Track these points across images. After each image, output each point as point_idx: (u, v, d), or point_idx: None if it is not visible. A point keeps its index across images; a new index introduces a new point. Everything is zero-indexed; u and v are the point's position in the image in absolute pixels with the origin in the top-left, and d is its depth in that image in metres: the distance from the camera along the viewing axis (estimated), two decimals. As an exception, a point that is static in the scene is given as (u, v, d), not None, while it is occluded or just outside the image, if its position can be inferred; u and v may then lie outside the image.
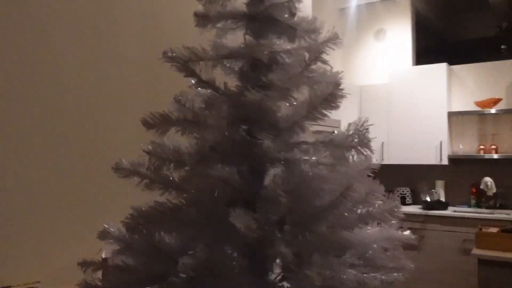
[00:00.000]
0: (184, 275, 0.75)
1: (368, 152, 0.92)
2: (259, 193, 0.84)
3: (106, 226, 0.88)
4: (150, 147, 0.88)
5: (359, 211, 0.87)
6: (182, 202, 0.85)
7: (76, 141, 1.61)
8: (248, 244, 0.78)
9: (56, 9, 1.57)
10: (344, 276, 0.79)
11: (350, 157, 0.94)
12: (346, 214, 0.84)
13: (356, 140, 0.91)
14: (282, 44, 0.91)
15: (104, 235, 0.87)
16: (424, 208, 4.51)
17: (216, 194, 0.83)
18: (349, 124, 0.94)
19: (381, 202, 0.89)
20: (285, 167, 0.87)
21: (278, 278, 0.81)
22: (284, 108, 0.92)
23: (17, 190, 1.58)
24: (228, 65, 0.95)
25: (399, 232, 0.92)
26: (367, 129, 0.92)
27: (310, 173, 0.84)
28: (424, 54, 5.03)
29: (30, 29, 1.47)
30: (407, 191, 4.94)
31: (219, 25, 0.96)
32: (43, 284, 1.58)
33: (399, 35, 5.18)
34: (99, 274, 0.83)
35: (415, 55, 5.05)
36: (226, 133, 0.86)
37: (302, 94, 0.91)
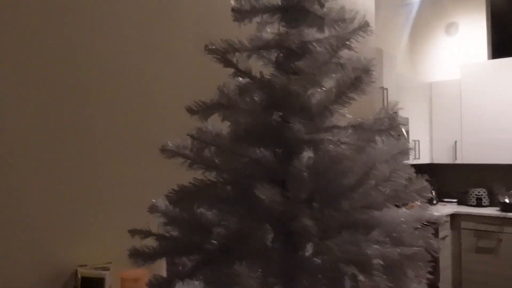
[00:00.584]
0: (216, 243, 0.84)
1: (399, 135, 0.95)
2: (289, 172, 0.91)
3: (154, 201, 0.99)
4: (193, 132, 0.98)
5: (387, 191, 0.90)
6: (219, 180, 0.94)
7: (131, 128, 1.78)
8: (275, 218, 0.85)
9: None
10: (369, 252, 0.83)
11: (380, 140, 0.98)
12: (372, 193, 0.88)
13: (385, 123, 0.94)
14: (312, 33, 0.98)
15: (153, 209, 0.99)
16: (501, 210, 4.26)
17: (248, 173, 0.91)
18: (380, 109, 0.98)
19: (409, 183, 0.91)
20: (313, 149, 0.93)
21: (304, 251, 0.87)
22: (314, 94, 0.98)
23: (89, 175, 1.78)
24: (265, 55, 1.03)
25: (429, 213, 0.94)
26: (397, 112, 0.95)
27: (335, 154, 0.89)
28: (500, 47, 4.73)
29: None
30: (483, 192, 4.68)
31: (257, 19, 1.05)
32: (114, 265, 1.75)
33: (472, 28, 4.93)
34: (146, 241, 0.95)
35: (491, 48, 4.77)
36: (259, 117, 0.94)
37: (332, 81, 0.96)
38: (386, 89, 4.26)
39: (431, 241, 0.89)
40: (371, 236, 0.89)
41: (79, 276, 1.71)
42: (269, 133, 0.97)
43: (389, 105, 0.95)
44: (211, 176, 0.98)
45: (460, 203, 4.86)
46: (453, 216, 4.51)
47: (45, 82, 1.65)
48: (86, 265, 1.80)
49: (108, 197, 1.85)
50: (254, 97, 0.95)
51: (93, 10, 1.78)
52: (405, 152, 1.02)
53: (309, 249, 0.90)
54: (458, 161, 4.74)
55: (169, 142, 0.97)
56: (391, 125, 0.94)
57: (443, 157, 4.89)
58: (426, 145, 4.92)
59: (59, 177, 1.71)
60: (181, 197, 0.90)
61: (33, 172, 1.63)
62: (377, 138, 0.98)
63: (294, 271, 0.85)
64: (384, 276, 0.84)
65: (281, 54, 1.01)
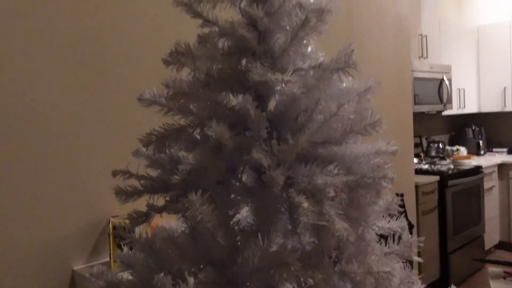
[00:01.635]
0: (180, 178, 0.94)
1: (355, 73, 0.98)
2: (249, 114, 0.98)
3: (138, 147, 1.11)
4: (168, 81, 1.07)
5: (339, 125, 0.95)
6: (188, 124, 1.04)
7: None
8: (228, 154, 0.93)
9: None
10: (319, 181, 0.89)
11: (343, 80, 1.01)
12: (323, 128, 0.93)
13: (342, 62, 0.98)
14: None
15: (137, 153, 1.10)
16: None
17: (213, 116, 1.00)
18: (339, 50, 1.01)
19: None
20: (270, 90, 0.99)
21: (247, 179, 0.96)
22: (276, 38, 1.03)
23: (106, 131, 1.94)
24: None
25: (386, 145, 0.97)
26: (353, 50, 0.98)
27: (290, 94, 0.95)
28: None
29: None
30: (533, 140, 4.44)
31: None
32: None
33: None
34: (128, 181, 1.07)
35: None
36: (221, 63, 1.01)
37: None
38: (426, 36, 4.09)
39: (386, 171, 0.93)
40: (326, 169, 0.95)
41: (111, 226, 1.91)
42: (233, 78, 1.04)
43: (346, 44, 0.98)
44: (185, 121, 1.07)
45: (510, 152, 4.64)
46: (501, 166, 4.34)
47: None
48: (118, 216, 2.00)
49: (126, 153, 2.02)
50: (216, 44, 1.01)
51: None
52: (369, 90, 1.05)
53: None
54: (508, 109, 4.50)
55: (146, 91, 1.07)
56: (347, 63, 0.97)
57: (491, 105, 4.66)
58: (473, 94, 4.70)
59: (92, 131, 1.89)
60: (152, 140, 1.00)
61: (71, 126, 1.83)
62: (339, 77, 1.01)
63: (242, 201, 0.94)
64: (334, 203, 0.91)
65: (243, 1, 1.06)
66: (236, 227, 0.96)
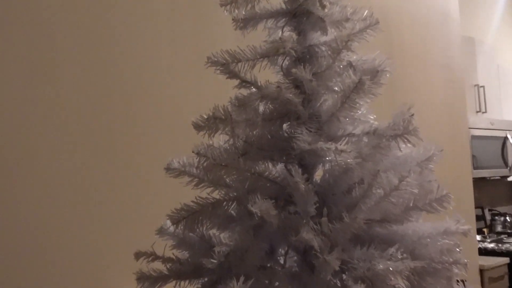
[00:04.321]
0: (217, 262, 1.00)
1: (416, 140, 1.06)
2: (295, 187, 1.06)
3: (163, 224, 1.18)
4: (200, 148, 1.17)
5: (400, 201, 1.02)
6: (224, 198, 1.12)
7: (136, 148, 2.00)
8: (274, 234, 1.00)
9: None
10: (381, 266, 0.95)
11: (400, 147, 1.10)
12: (383, 204, 1.00)
13: (400, 127, 1.06)
14: (317, 36, 1.13)
15: (161, 231, 1.18)
16: None
17: (253, 189, 1.08)
18: (396, 113, 1.10)
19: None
20: (320, 160, 1.08)
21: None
22: (322, 101, 1.13)
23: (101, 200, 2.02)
24: (272, 63, 1.20)
25: (456, 225, 1.03)
26: (413, 114, 1.06)
27: (343, 164, 1.03)
28: None
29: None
30: None
31: (261, 25, 1.22)
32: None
33: None
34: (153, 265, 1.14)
35: None
36: (261, 129, 1.10)
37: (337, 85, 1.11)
38: (483, 86, 4.22)
39: (458, 255, 0.98)
40: (387, 253, 1.01)
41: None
42: (274, 145, 1.13)
43: (403, 107, 1.07)
44: (218, 194, 1.15)
45: None
46: None
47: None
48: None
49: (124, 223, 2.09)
50: (256, 108, 1.12)
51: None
52: (431, 159, 1.13)
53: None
54: None
55: (174, 160, 1.17)
56: (406, 129, 1.05)
57: None
58: (545, 154, 4.74)
59: (99, 192, 1.98)
60: (184, 216, 1.08)
61: (45, 197, 1.92)
62: (397, 145, 1.10)
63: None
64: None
65: (286, 61, 1.17)
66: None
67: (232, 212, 1.15)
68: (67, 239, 1.92)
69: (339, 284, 0.98)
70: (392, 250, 1.00)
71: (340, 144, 1.05)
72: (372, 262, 0.97)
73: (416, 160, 1.13)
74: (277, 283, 1.03)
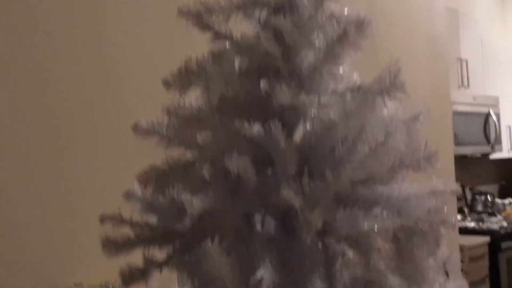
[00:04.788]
0: (189, 225, 0.98)
1: (403, 96, 1.05)
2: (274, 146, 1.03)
3: (130, 189, 1.15)
4: (170, 106, 1.13)
5: (386, 159, 1.01)
6: (197, 159, 1.08)
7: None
8: (250, 195, 0.98)
9: None
10: (365, 226, 0.94)
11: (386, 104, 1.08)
12: (369, 161, 0.99)
13: (387, 82, 1.04)
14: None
15: (128, 195, 1.14)
16: None
17: (230, 150, 1.05)
18: (382, 69, 1.08)
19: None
20: (301, 117, 1.05)
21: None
22: (303, 55, 1.10)
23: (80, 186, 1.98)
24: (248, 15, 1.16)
25: (444, 184, 1.03)
26: (400, 68, 1.04)
27: (326, 121, 1.00)
28: None
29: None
30: None
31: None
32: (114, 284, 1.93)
33: None
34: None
35: None
36: (238, 85, 1.07)
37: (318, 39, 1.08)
38: (466, 60, 4.25)
39: (446, 215, 0.98)
40: (371, 213, 0.99)
41: (74, 296, 1.91)
42: (252, 103, 1.10)
43: (390, 62, 1.05)
44: (191, 156, 1.12)
45: None
46: None
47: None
48: (80, 284, 2.00)
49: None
50: (232, 63, 1.08)
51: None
52: (418, 118, 1.12)
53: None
54: None
55: (142, 120, 1.13)
56: (393, 84, 1.03)
57: (549, 147, 4.78)
58: (526, 132, 4.83)
59: (52, 192, 1.93)
60: (153, 178, 1.05)
61: (27, 187, 1.86)
62: (383, 101, 1.08)
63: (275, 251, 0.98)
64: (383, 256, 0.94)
65: (263, 13, 1.13)
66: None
67: (205, 174, 1.12)
68: (30, 207, 1.88)
69: (320, 246, 0.96)
70: (376, 210, 0.99)
71: (322, 99, 1.02)
72: (357, 222, 0.95)
73: (402, 119, 1.11)
74: (253, 247, 1.01)
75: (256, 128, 1.10)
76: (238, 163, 0.94)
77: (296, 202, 0.95)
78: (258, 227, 1.07)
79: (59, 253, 1.98)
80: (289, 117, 1.07)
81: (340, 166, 0.99)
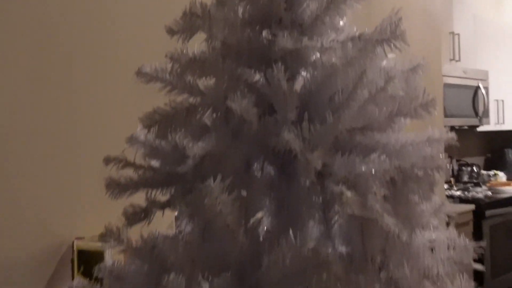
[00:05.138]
0: (191, 168, 0.97)
1: (403, 46, 1.03)
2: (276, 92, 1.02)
3: (133, 133, 1.14)
4: (174, 52, 1.11)
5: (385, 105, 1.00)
6: (200, 104, 1.07)
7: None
8: (251, 140, 0.97)
9: None
10: (363, 169, 0.93)
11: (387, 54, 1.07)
12: (368, 107, 0.98)
13: (387, 32, 1.03)
14: None
15: (132, 140, 1.13)
16: None
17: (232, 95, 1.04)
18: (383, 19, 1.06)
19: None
20: (303, 64, 1.04)
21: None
22: (305, 4, 1.08)
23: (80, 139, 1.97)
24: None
25: (440, 131, 1.02)
26: (401, 18, 1.03)
27: (328, 68, 0.99)
28: None
29: None
30: None
31: None
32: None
33: None
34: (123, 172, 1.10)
35: None
36: (241, 32, 1.05)
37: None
38: (458, 34, 4.22)
39: (441, 161, 0.97)
40: (369, 158, 0.99)
41: (75, 249, 1.91)
42: (254, 51, 1.08)
43: (391, 12, 1.04)
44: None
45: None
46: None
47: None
48: (83, 238, 1.99)
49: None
50: (236, 9, 1.06)
51: None
52: (417, 69, 1.11)
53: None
54: None
55: (145, 65, 1.11)
56: (393, 34, 1.02)
57: (536, 121, 4.80)
58: (513, 107, 4.85)
59: (51, 146, 1.91)
60: (156, 120, 1.03)
61: (26, 142, 1.85)
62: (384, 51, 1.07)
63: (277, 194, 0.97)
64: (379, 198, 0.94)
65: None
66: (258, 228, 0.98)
67: (207, 121, 1.11)
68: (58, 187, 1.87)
69: (318, 189, 0.96)
70: (373, 156, 0.99)
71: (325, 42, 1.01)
72: (354, 166, 0.95)
73: (402, 69, 1.10)
74: (253, 188, 1.00)
75: (258, 74, 1.10)
76: (241, 104, 0.92)
77: (296, 145, 0.94)
78: (258, 171, 1.07)
79: (61, 207, 1.97)
80: (291, 63, 1.05)
81: (339, 111, 0.99)
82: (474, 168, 4.63)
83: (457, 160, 4.72)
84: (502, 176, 4.76)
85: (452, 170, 4.62)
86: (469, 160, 4.82)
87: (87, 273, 1.85)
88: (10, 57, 1.80)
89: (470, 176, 4.62)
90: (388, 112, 1.01)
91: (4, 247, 1.81)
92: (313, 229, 0.98)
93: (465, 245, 0.97)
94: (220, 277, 0.91)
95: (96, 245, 1.91)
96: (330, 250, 0.89)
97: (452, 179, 4.53)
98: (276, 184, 1.05)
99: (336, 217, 0.97)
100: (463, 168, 4.65)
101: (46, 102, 1.91)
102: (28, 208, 1.87)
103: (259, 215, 0.99)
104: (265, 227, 0.99)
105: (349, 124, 0.99)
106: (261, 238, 0.96)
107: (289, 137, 0.93)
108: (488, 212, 3.87)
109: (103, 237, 1.07)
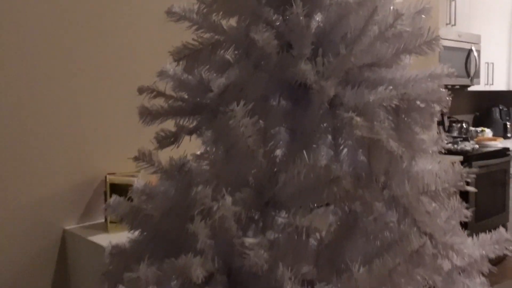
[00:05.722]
0: (216, 97, 0.97)
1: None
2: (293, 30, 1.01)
3: (163, 67, 1.14)
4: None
5: (392, 44, 0.99)
6: (223, 41, 1.07)
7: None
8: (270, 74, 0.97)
9: None
10: (371, 98, 0.93)
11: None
12: (377, 43, 0.97)
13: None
14: None
15: (161, 73, 1.13)
16: None
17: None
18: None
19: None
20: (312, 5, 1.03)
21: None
22: None
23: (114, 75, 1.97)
24: None
25: (441, 68, 1.02)
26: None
27: (340, 5, 0.98)
28: None
29: None
30: None
31: None
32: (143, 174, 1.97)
33: None
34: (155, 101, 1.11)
35: None
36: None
37: None
38: (455, 0, 4.13)
39: (442, 94, 0.97)
40: (376, 90, 0.99)
41: (108, 183, 1.95)
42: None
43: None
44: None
45: (540, 136, 4.74)
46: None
47: None
48: (114, 173, 2.03)
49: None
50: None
51: None
52: (422, 12, 1.09)
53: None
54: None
55: (174, 5, 1.10)
56: (402, -23, 1.00)
57: (523, 83, 4.74)
58: (503, 69, 4.77)
59: (87, 85, 1.92)
60: (185, 53, 1.03)
61: (63, 82, 1.85)
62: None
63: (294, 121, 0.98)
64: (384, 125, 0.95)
65: None
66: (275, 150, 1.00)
67: (229, 57, 1.10)
68: (46, 116, 1.89)
69: (331, 115, 0.97)
70: (380, 88, 0.99)
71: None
72: (363, 96, 0.95)
73: (407, 12, 1.09)
74: (271, 118, 1.01)
75: (277, 14, 1.09)
76: (263, 36, 0.92)
77: (311, 75, 0.94)
78: (276, 102, 1.08)
79: (95, 147, 2.01)
80: (308, 4, 1.04)
81: (351, 46, 0.98)
82: (464, 124, 4.60)
83: (449, 117, 4.69)
84: (488, 132, 4.73)
85: (444, 125, 4.59)
86: (459, 117, 4.79)
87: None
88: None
89: (460, 132, 4.59)
90: (395, 49, 1.00)
91: (45, 183, 1.86)
92: (325, 152, 0.99)
93: (459, 170, 0.98)
94: (241, 191, 0.93)
95: (125, 179, 1.96)
96: (340, 168, 0.90)
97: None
98: (291, 114, 1.06)
99: (345, 142, 0.98)
100: (454, 124, 4.62)
101: (83, 38, 1.91)
102: (67, 147, 1.92)
103: (276, 138, 1.00)
104: (281, 150, 1.00)
105: (360, 58, 0.99)
106: (277, 160, 0.98)
107: (306, 68, 0.93)
108: (474, 163, 3.87)
109: (136, 159, 1.08)
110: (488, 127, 4.82)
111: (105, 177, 1.97)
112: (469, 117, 5.05)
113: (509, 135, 4.82)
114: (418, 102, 0.98)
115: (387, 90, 0.95)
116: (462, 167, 1.01)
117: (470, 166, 3.83)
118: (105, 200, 1.97)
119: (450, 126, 4.62)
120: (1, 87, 1.73)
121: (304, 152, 0.91)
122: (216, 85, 1.01)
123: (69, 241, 1.94)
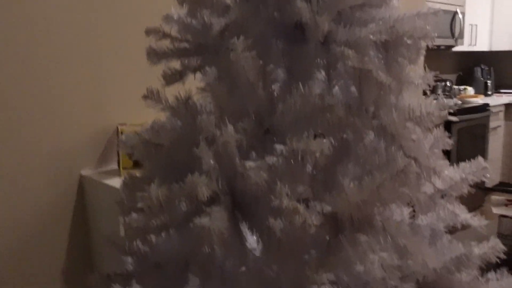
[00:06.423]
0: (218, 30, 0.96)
1: None
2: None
3: (169, 13, 1.12)
4: None
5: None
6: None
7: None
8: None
9: None
10: (362, 34, 0.92)
11: None
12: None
13: None
14: None
15: (167, 18, 1.12)
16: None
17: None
18: None
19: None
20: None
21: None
22: None
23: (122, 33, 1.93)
24: None
25: (427, 7, 1.00)
26: None
27: None
28: None
29: None
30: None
31: None
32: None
33: None
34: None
35: None
36: None
37: None
38: (441, -36, 4.03)
39: (428, 31, 0.96)
40: (367, 27, 0.98)
41: (120, 132, 1.95)
42: None
43: None
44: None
45: (519, 93, 4.72)
46: (508, 106, 4.42)
47: None
48: (125, 124, 2.04)
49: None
50: None
51: None
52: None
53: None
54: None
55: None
56: None
57: (504, 44, 4.67)
58: (485, 30, 4.70)
59: (98, 41, 1.90)
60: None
61: (73, 38, 1.83)
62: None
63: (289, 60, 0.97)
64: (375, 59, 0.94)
65: None
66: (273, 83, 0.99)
67: (229, 1, 1.08)
68: (62, 69, 1.87)
69: (324, 50, 0.96)
70: (371, 25, 0.97)
71: None
72: (355, 32, 0.94)
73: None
74: (269, 55, 1.00)
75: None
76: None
77: (307, 12, 0.92)
78: (274, 42, 1.06)
79: (108, 100, 2.01)
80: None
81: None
82: (448, 83, 4.58)
83: (434, 76, 4.66)
84: (470, 90, 4.71)
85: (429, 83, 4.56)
86: (443, 76, 4.76)
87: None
88: None
89: (444, 90, 4.57)
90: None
91: (62, 131, 1.87)
92: (319, 84, 0.98)
93: (442, 102, 0.98)
94: (242, 121, 0.93)
95: (136, 128, 1.96)
96: (333, 97, 0.90)
97: (428, 92, 4.48)
98: (288, 54, 1.05)
99: (337, 76, 0.97)
100: (438, 83, 4.59)
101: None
102: (82, 98, 1.91)
103: (274, 72, 0.99)
104: (279, 85, 1.00)
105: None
106: (275, 93, 0.98)
107: (302, 6, 0.92)
108: (458, 117, 3.87)
109: (145, 97, 1.08)
110: (470, 86, 4.80)
111: (117, 127, 1.98)
112: (453, 76, 5.02)
113: (489, 92, 4.80)
114: (405, 38, 0.97)
115: (376, 28, 0.93)
116: (446, 100, 1.01)
117: (451, 120, 3.83)
118: (118, 149, 1.98)
119: (435, 84, 4.59)
120: (23, 43, 1.71)
121: (300, 83, 0.91)
122: (218, 25, 0.99)
123: (86, 185, 1.96)
